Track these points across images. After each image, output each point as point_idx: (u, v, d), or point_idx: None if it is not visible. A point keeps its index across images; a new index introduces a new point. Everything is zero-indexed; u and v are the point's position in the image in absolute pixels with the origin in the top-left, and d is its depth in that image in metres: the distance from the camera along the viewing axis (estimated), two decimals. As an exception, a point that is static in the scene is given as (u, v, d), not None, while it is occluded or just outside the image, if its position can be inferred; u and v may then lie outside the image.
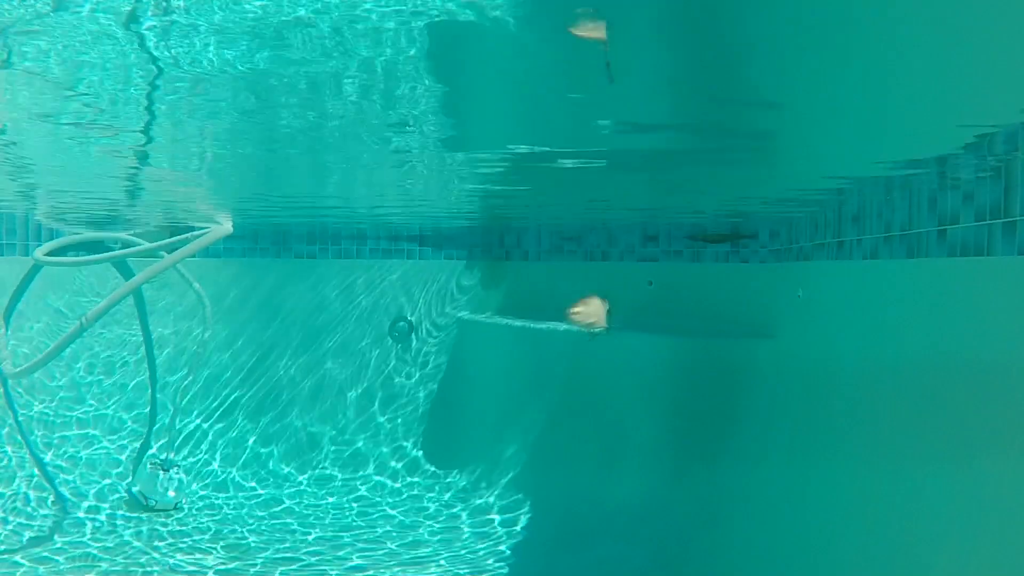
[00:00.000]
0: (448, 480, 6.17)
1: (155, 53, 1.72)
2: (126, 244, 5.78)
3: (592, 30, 1.49)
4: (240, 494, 6.03)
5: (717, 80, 2.02)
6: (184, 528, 5.37)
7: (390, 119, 2.42)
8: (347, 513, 5.74)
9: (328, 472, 6.31)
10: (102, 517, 5.52)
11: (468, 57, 1.87)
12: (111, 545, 5.02)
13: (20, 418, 5.68)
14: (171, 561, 4.77)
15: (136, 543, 5.05)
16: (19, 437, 5.66)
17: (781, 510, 4.51)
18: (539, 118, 2.52)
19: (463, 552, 4.99)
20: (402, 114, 2.34)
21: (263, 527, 5.40)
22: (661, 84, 2.06)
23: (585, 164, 3.20)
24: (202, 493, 6.01)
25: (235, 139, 2.80)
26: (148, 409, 6.13)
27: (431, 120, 2.44)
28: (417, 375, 6.48)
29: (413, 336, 6.48)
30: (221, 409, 6.39)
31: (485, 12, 1.48)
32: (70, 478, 5.82)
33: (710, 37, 1.70)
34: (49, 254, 5.48)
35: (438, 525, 5.49)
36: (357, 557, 4.89)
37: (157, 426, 6.11)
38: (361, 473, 6.31)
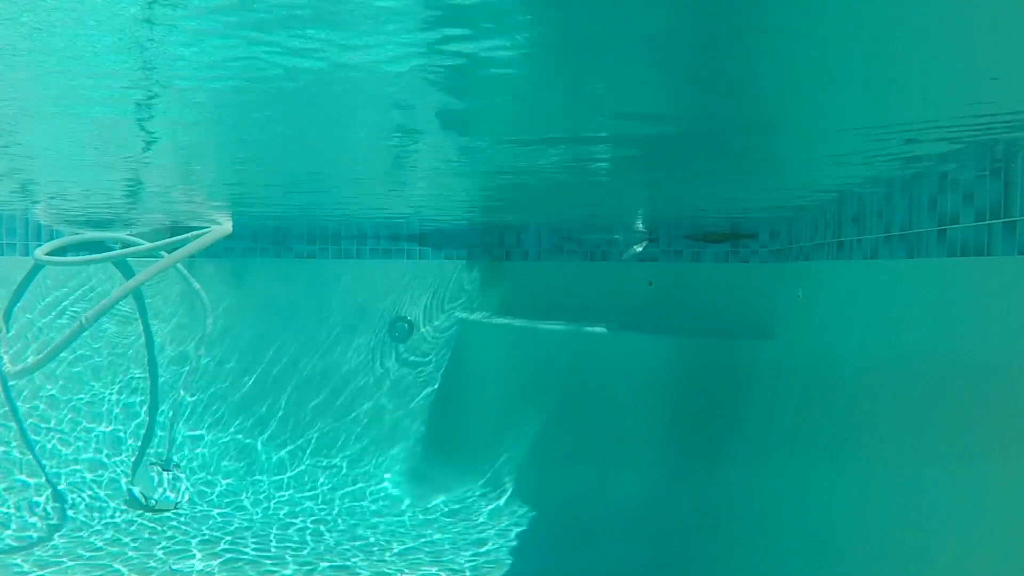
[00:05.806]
0: (447, 480, 6.16)
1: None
2: (126, 244, 5.79)
3: None
4: (237, 492, 6.02)
5: (717, 75, 2.02)
6: (182, 527, 5.37)
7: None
8: (345, 513, 5.74)
9: (326, 471, 6.31)
10: (102, 517, 5.51)
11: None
12: (110, 544, 5.02)
13: (21, 417, 5.68)
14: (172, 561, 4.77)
15: (136, 543, 5.05)
16: (19, 437, 5.65)
17: (781, 510, 4.50)
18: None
19: (462, 552, 4.98)
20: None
21: (261, 526, 5.40)
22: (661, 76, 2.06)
23: (584, 165, 3.20)
24: (200, 492, 6.01)
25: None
26: (148, 409, 6.12)
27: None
28: (416, 375, 6.48)
29: (412, 336, 6.48)
30: (221, 409, 6.39)
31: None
32: (70, 478, 5.81)
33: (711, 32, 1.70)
34: (49, 254, 5.48)
35: (436, 525, 5.49)
36: (355, 557, 4.88)
37: (157, 425, 6.11)
38: (360, 472, 6.31)
